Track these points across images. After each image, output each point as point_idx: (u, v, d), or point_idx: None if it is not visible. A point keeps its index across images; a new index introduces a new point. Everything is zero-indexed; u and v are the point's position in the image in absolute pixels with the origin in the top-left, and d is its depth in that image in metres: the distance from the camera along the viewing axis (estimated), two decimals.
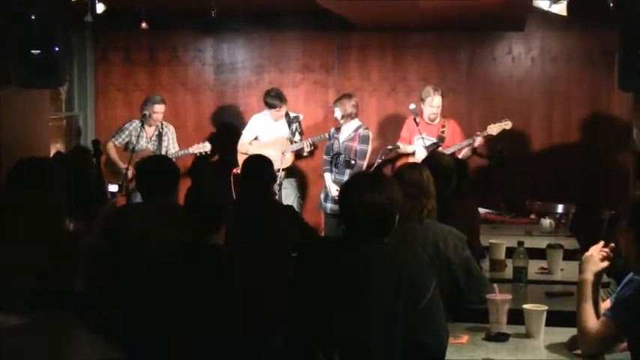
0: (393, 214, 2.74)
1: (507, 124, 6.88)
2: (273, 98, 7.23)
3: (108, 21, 6.80)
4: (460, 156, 6.81)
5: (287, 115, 7.19)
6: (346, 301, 2.59)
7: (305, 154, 7.31)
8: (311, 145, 7.18)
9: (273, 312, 2.93)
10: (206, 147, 7.24)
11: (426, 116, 7.03)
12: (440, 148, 6.78)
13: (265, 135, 7.37)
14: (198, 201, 3.22)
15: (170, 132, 7.35)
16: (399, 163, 6.86)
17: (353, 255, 2.67)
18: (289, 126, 7.06)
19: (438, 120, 7.07)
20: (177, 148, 7.34)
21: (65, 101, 8.00)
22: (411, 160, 6.66)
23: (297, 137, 7.20)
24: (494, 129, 6.86)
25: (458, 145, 6.89)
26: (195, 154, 7.31)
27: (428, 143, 6.83)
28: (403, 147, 7.04)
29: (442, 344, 2.64)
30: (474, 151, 6.92)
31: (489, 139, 7.00)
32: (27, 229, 3.97)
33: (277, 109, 7.23)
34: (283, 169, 6.94)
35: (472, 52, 7.78)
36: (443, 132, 7.00)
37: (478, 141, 6.83)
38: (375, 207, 2.67)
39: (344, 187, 2.84)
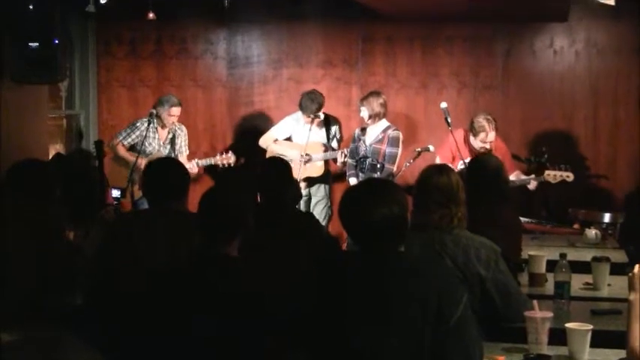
0: (405, 220, 2.75)
1: (569, 177, 6.61)
2: (312, 102, 7.16)
3: (111, 11, 6.85)
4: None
5: (325, 117, 7.20)
6: (368, 318, 2.59)
7: (338, 164, 7.25)
8: (345, 156, 7.14)
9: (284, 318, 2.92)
10: (230, 159, 7.27)
11: (475, 146, 6.74)
12: None
13: (297, 140, 7.38)
14: (214, 207, 3.20)
15: (183, 133, 7.39)
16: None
17: (375, 268, 2.67)
18: (327, 128, 7.04)
19: None
20: (187, 151, 7.38)
21: (65, 98, 8.07)
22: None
23: (334, 143, 7.17)
24: (551, 177, 6.60)
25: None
26: (218, 165, 7.34)
27: None
28: None
29: None
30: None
31: (529, 140, 6.95)
32: (23, 239, 4.00)
33: (310, 115, 7.17)
34: (304, 180, 6.96)
35: (510, 45, 7.76)
36: None
37: (533, 184, 6.63)
38: (385, 222, 2.66)
39: (345, 205, 2.77)
